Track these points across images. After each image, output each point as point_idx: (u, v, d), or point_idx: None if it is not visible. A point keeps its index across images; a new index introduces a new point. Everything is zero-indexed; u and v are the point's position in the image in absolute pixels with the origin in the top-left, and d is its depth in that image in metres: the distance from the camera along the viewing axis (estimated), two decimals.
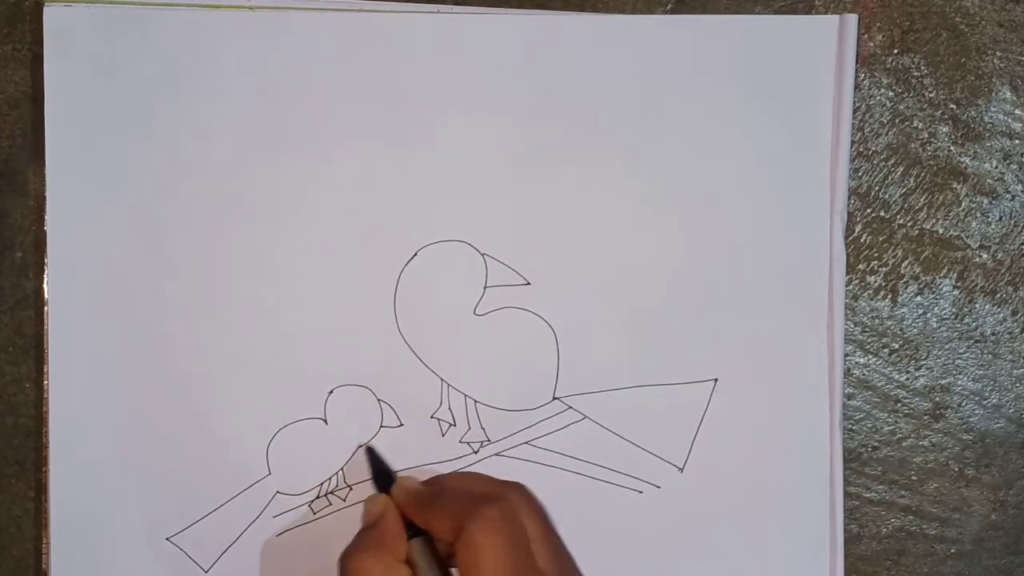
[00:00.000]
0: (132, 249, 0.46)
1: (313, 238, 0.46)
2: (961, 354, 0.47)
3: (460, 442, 0.46)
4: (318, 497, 0.46)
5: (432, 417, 0.46)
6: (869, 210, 0.47)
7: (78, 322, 0.46)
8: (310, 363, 0.46)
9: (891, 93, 0.47)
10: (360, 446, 0.46)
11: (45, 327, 0.46)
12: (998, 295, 0.47)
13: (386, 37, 0.46)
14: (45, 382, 0.46)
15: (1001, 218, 0.47)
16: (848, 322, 0.47)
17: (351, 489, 0.46)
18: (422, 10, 0.46)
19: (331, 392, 0.46)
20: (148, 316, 0.46)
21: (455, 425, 0.46)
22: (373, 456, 0.45)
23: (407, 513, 0.41)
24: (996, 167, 0.47)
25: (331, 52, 0.46)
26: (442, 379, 0.46)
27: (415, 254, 0.46)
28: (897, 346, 0.47)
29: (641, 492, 0.47)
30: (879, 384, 0.48)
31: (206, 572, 0.46)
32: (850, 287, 0.47)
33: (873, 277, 0.47)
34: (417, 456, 0.46)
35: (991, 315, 0.47)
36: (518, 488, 0.41)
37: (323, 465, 0.46)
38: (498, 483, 0.42)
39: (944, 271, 0.47)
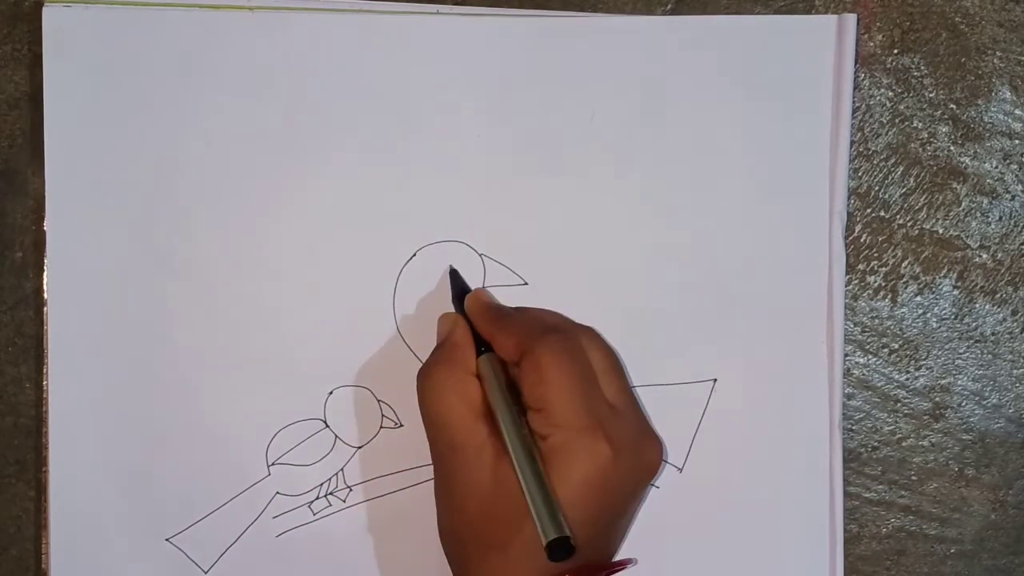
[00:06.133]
0: (132, 249, 0.46)
1: (312, 238, 0.46)
2: (961, 354, 0.47)
3: None
4: (318, 498, 0.46)
5: None
6: (869, 210, 0.47)
7: (78, 322, 0.46)
8: (310, 364, 0.46)
9: (891, 93, 0.47)
10: (449, 268, 0.46)
11: (45, 327, 0.46)
12: (998, 295, 0.47)
13: (385, 37, 0.46)
14: (45, 382, 0.46)
15: (1001, 218, 0.47)
16: (848, 322, 0.47)
17: (351, 490, 0.46)
18: (422, 10, 0.46)
19: (331, 393, 0.46)
20: (148, 316, 0.46)
21: None
22: (456, 277, 0.45)
23: (476, 325, 0.43)
24: (996, 167, 0.47)
25: (330, 53, 0.46)
26: None
27: (414, 254, 0.46)
28: (897, 346, 0.47)
29: None
30: (879, 384, 0.47)
31: (206, 573, 0.46)
32: (850, 287, 0.47)
33: (873, 277, 0.47)
34: (417, 456, 0.46)
35: (991, 315, 0.47)
36: (589, 329, 0.43)
37: (323, 466, 0.46)
38: (571, 321, 0.44)
39: (944, 271, 0.47)
